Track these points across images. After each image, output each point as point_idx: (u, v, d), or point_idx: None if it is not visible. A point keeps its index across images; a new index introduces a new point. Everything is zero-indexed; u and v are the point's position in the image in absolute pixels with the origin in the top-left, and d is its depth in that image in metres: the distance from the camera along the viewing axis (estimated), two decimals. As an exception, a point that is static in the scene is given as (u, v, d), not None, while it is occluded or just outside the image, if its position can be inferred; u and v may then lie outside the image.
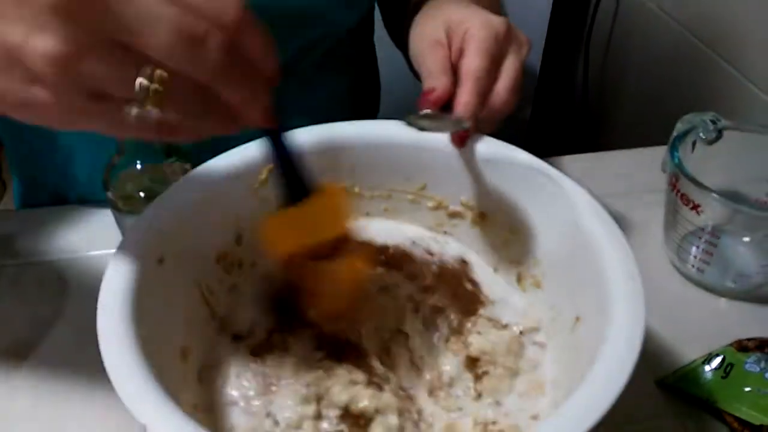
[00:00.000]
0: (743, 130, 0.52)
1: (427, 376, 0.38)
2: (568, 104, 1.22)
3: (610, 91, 1.11)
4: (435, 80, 0.40)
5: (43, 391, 0.43)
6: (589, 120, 1.15)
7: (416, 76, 0.57)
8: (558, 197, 0.38)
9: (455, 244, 0.45)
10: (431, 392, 0.37)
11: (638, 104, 1.02)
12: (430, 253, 0.43)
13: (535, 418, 0.34)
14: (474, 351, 0.37)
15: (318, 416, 0.33)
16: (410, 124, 0.39)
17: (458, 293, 0.41)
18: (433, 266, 0.42)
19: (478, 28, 0.41)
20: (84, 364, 0.45)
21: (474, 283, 0.42)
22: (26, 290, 0.51)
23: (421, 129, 0.39)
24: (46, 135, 0.58)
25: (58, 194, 0.63)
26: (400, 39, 0.60)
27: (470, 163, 0.42)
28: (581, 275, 0.35)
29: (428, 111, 0.40)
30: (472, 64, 0.39)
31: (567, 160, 0.63)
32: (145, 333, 0.30)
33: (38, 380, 0.44)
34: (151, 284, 0.33)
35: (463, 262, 0.44)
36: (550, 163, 0.40)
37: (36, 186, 0.65)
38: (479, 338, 0.38)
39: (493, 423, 0.35)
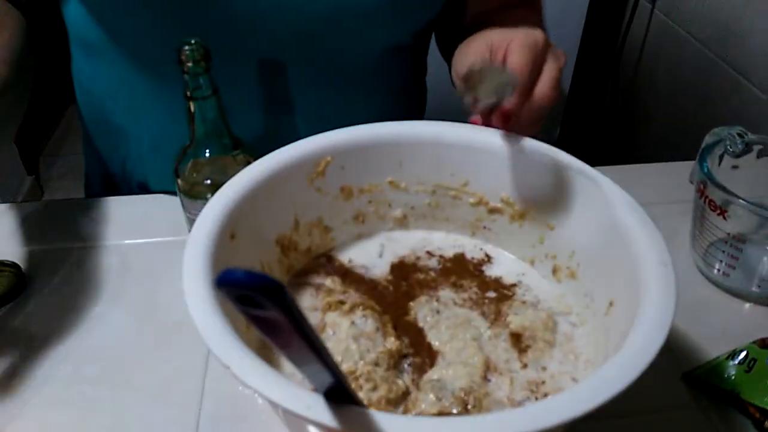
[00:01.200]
0: (769, 144, 0.54)
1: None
2: (596, 125, 1.24)
3: (637, 111, 1.13)
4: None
5: (110, 358, 0.47)
6: (616, 139, 1.17)
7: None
8: (596, 194, 0.41)
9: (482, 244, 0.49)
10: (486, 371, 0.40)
11: (665, 123, 1.05)
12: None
13: (575, 380, 0.38)
14: (515, 327, 0.40)
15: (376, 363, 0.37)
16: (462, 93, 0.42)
17: (487, 284, 0.45)
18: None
19: (520, 38, 0.45)
20: (144, 334, 0.49)
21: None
22: (91, 272, 0.55)
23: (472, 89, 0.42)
24: (123, 126, 0.63)
25: (123, 184, 0.68)
26: (448, 53, 0.65)
27: (512, 162, 0.45)
28: (616, 263, 0.38)
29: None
30: (516, 60, 0.43)
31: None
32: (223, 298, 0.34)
33: (104, 350, 0.48)
34: (226, 255, 0.37)
35: (487, 256, 0.48)
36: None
37: (103, 177, 0.70)
38: (517, 317, 0.41)
39: (543, 383, 0.39)
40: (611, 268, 0.39)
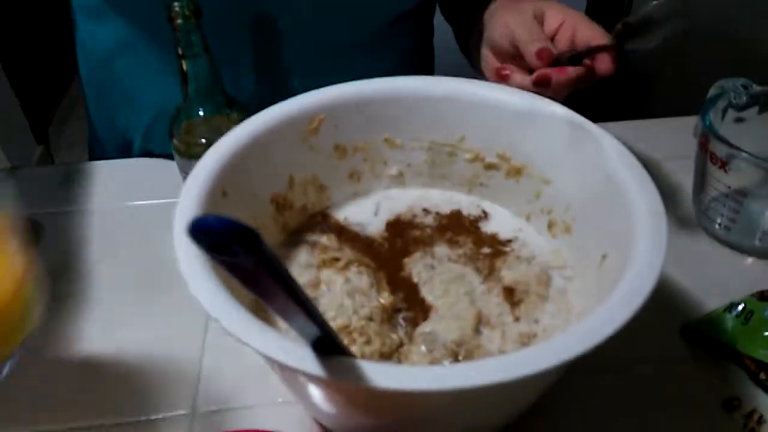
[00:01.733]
0: (775, 96, 0.53)
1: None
2: (605, 80, 1.22)
3: (647, 66, 1.11)
4: (541, 43, 0.47)
5: (112, 317, 0.48)
6: (626, 95, 1.15)
7: (466, 54, 0.62)
8: (591, 147, 0.41)
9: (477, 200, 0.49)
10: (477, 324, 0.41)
11: (675, 78, 1.03)
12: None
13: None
14: (507, 282, 0.40)
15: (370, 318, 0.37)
16: None
17: (483, 240, 0.45)
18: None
19: (572, 13, 0.49)
20: (146, 292, 0.50)
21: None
22: (94, 233, 0.55)
23: None
24: (126, 91, 0.63)
25: (124, 148, 0.68)
26: (454, 17, 0.66)
27: (507, 116, 0.45)
28: (609, 216, 0.38)
29: None
30: (591, 32, 0.47)
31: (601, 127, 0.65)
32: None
33: (106, 309, 0.49)
34: (218, 213, 0.37)
35: (484, 212, 0.48)
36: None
37: (106, 144, 0.70)
38: (510, 272, 0.41)
39: (534, 335, 0.39)
40: (605, 221, 0.39)
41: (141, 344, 0.46)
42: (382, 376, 0.27)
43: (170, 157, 0.62)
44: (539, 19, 0.50)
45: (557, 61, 0.47)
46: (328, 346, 0.28)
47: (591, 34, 0.47)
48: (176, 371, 0.44)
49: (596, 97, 1.25)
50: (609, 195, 0.38)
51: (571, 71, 0.46)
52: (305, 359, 0.28)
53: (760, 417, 0.41)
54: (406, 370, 0.28)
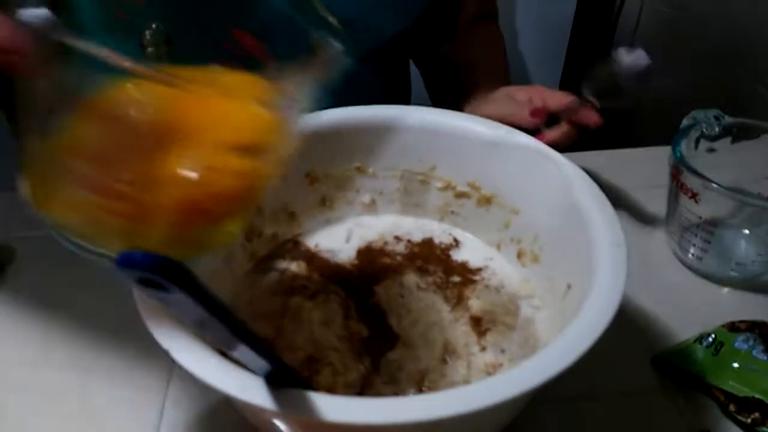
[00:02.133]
0: (746, 127, 0.54)
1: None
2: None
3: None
4: (530, 106, 0.55)
5: (76, 342, 0.48)
6: (610, 123, 1.17)
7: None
8: (556, 176, 0.41)
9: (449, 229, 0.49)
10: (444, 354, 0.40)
11: (659, 106, 1.04)
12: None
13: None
14: (475, 311, 0.40)
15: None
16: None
17: (453, 268, 0.45)
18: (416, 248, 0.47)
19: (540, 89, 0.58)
20: (110, 317, 0.49)
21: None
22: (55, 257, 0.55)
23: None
24: None
25: None
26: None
27: (477, 147, 0.45)
28: (574, 245, 0.38)
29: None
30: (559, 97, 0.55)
31: (578, 156, 0.66)
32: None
33: (71, 334, 0.48)
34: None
35: (455, 241, 0.48)
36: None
37: None
38: (478, 301, 0.41)
39: (500, 365, 0.39)
40: (570, 250, 0.39)
41: (105, 372, 0.45)
42: (334, 408, 0.27)
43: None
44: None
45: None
46: (282, 377, 0.28)
47: (561, 97, 0.55)
48: (142, 399, 0.44)
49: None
50: (573, 225, 0.38)
51: (565, 128, 0.53)
52: (250, 389, 0.27)
53: (730, 450, 0.41)
54: (359, 403, 0.28)
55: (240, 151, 0.28)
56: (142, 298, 0.31)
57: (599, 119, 0.53)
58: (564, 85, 1.20)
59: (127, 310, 0.48)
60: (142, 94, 0.28)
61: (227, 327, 0.23)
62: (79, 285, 0.52)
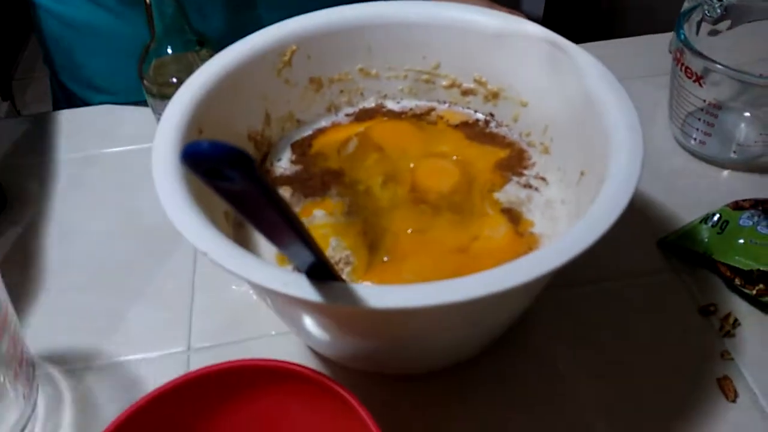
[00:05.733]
0: (748, 8, 0.53)
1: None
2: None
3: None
4: None
5: (97, 266, 0.48)
6: (602, 12, 1.14)
7: None
8: (567, 65, 0.40)
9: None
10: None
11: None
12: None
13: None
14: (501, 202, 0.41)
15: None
16: None
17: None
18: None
19: None
20: (128, 239, 0.50)
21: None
22: (69, 183, 0.55)
23: None
24: (80, 37, 0.62)
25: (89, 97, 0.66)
26: None
27: (482, 39, 0.44)
28: (587, 133, 0.38)
29: None
30: None
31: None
32: (196, 191, 0.34)
33: (90, 259, 0.49)
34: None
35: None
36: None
37: (67, 92, 0.68)
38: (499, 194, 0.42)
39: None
40: (583, 138, 0.39)
41: (129, 293, 0.46)
42: (377, 297, 0.28)
43: (141, 104, 0.61)
44: None
45: None
46: (320, 272, 0.29)
47: None
48: (167, 316, 0.45)
49: (570, 20, 1.24)
50: (587, 113, 0.38)
51: None
52: (304, 287, 0.28)
53: (735, 320, 0.43)
54: (398, 290, 0.29)
55: None
56: (173, 206, 0.31)
57: None
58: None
59: (139, 227, 0.49)
60: None
61: (285, 220, 0.24)
62: (87, 209, 0.52)
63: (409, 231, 0.40)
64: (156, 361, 0.42)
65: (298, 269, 0.29)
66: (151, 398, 0.30)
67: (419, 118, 0.47)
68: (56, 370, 0.42)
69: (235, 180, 0.20)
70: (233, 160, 0.19)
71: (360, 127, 0.46)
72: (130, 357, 0.43)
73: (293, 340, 0.43)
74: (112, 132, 0.58)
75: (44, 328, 0.44)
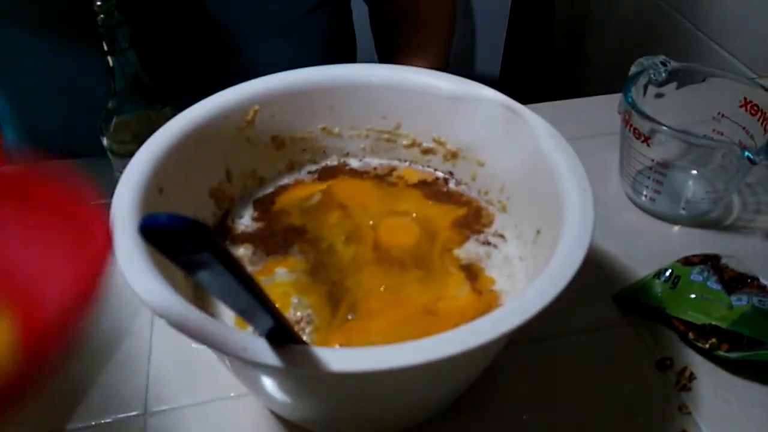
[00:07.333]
0: (691, 71, 0.56)
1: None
2: (535, 60, 1.26)
3: (576, 44, 1.15)
4: None
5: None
6: (557, 76, 1.19)
7: None
8: (520, 127, 0.42)
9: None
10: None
11: (603, 56, 1.07)
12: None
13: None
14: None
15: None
16: None
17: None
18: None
19: None
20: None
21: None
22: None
23: None
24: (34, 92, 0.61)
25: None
26: None
27: (440, 101, 0.45)
28: (540, 192, 0.40)
29: None
30: None
31: (531, 108, 0.67)
32: (155, 253, 0.34)
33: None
34: (155, 210, 0.36)
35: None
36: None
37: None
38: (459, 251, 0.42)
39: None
40: (537, 198, 0.40)
41: (86, 354, 0.45)
42: (337, 360, 0.28)
43: (97, 155, 0.60)
44: None
45: None
46: (280, 335, 0.29)
47: None
48: (124, 377, 0.43)
49: (525, 79, 1.29)
50: (540, 174, 0.40)
51: None
52: (263, 351, 0.28)
53: (691, 374, 0.44)
54: (359, 353, 0.29)
55: None
56: (134, 273, 0.31)
57: None
58: (509, 42, 1.21)
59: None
60: None
61: (244, 286, 0.24)
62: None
63: (382, 288, 0.40)
64: (111, 427, 0.41)
65: (257, 332, 0.29)
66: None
67: (381, 179, 0.48)
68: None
69: (193, 251, 0.20)
70: (191, 233, 0.19)
71: (323, 185, 0.47)
72: (84, 424, 0.41)
73: (253, 401, 0.42)
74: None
75: None
